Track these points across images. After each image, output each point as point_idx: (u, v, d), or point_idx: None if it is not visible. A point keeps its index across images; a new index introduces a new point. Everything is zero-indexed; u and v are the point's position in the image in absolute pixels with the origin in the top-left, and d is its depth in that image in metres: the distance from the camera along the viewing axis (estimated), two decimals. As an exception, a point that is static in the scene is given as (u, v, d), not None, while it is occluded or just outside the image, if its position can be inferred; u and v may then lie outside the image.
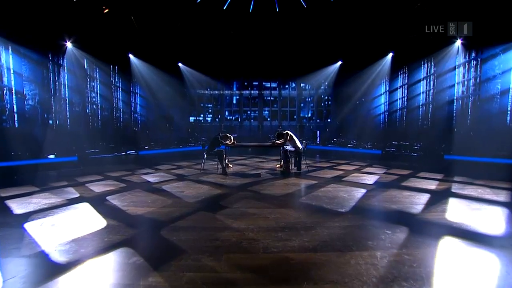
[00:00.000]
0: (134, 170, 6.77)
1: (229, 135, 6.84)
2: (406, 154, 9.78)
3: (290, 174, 6.17)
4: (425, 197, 4.11)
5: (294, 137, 6.39)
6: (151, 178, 5.70)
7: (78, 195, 4.29)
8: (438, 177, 5.68)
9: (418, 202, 3.85)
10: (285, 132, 6.53)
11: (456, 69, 8.21)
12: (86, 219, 3.18)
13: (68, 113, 8.57)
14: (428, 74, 9.14)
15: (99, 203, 3.83)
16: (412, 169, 6.72)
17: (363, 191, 4.54)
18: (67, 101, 8.49)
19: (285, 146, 6.61)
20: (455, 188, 4.72)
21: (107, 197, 4.13)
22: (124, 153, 10.29)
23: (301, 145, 6.45)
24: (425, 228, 2.87)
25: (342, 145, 11.96)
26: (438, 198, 4.03)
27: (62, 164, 7.80)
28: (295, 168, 6.58)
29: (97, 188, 4.78)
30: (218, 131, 6.83)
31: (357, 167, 7.25)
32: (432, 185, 4.93)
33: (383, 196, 4.23)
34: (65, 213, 3.41)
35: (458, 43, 7.79)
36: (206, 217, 3.28)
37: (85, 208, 3.61)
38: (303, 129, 13.28)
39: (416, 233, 2.72)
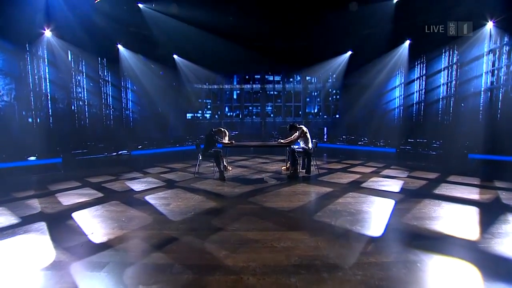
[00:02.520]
0: (120, 174, 5.95)
1: (223, 129, 5.94)
2: (423, 153, 8.88)
3: (298, 178, 5.31)
4: (474, 213, 3.24)
5: (308, 135, 5.51)
6: (136, 185, 4.88)
7: (38, 210, 3.47)
8: (475, 182, 4.79)
9: (470, 221, 2.97)
10: (299, 126, 5.61)
11: (485, 57, 7.25)
12: (22, 254, 2.35)
13: (50, 110, 7.76)
14: (450, 63, 8.18)
15: (58, 223, 3.01)
16: (437, 171, 5.82)
17: (391, 202, 3.67)
18: (49, 97, 7.67)
19: (293, 146, 5.74)
20: (505, 198, 3.83)
21: (73, 214, 3.31)
22: (115, 154, 9.50)
23: (312, 144, 5.57)
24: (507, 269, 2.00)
25: (351, 143, 11.07)
26: (493, 214, 3.16)
27: (44, 166, 7.02)
28: (304, 171, 5.73)
29: (67, 199, 3.96)
30: (212, 127, 5.93)
31: (374, 168, 6.37)
32: (474, 194, 4.04)
33: (419, 210, 3.36)
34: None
35: (490, 26, 6.81)
36: (192, 248, 2.43)
37: (34, 234, 2.77)
38: (309, 125, 12.33)
39: (496, 278, 1.85)
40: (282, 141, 5.84)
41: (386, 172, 5.93)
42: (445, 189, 4.33)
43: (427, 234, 2.66)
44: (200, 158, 5.68)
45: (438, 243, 2.46)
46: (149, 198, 4.02)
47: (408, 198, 3.89)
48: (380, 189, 4.45)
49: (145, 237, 2.63)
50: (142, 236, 2.65)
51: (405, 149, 9.48)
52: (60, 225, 2.97)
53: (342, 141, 11.24)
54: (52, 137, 7.72)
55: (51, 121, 7.74)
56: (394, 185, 4.67)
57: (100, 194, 4.26)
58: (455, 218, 3.09)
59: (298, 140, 5.59)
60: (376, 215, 3.19)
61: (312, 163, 5.70)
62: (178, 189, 4.55)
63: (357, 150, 10.22)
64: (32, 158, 7.47)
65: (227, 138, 5.92)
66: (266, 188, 4.57)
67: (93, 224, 3.00)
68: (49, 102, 7.68)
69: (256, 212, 3.35)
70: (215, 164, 5.43)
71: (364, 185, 4.75)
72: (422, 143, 9.09)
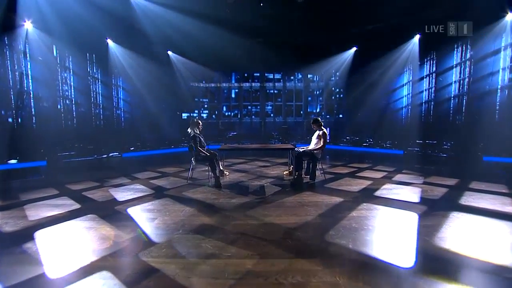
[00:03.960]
0: (106, 180, 5.39)
1: (196, 120, 5.24)
2: (433, 155, 8.37)
3: (302, 185, 4.77)
4: (518, 231, 2.71)
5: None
6: (120, 194, 4.32)
7: (-5, 228, 2.91)
8: (502, 190, 4.26)
9: (517, 244, 2.44)
10: (323, 130, 5.00)
11: (502, 52, 6.74)
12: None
13: (33, 109, 7.19)
14: (463, 59, 7.66)
15: (13, 247, 2.45)
16: (455, 177, 5.28)
17: (414, 217, 3.14)
18: (31, 95, 7.10)
19: (297, 148, 5.20)
20: (545, 211, 3.30)
21: (36, 233, 2.76)
22: (105, 156, 8.95)
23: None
24: None
25: (356, 144, 10.55)
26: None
27: (25, 171, 6.46)
28: (308, 176, 5.19)
29: (36, 213, 3.40)
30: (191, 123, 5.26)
31: (384, 173, 5.84)
32: (508, 206, 3.51)
33: (449, 228, 2.82)
34: None
35: (509, 18, 6.29)
36: (174, 285, 1.88)
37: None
38: (310, 126, 11.83)
39: None
40: (310, 148, 5.06)
41: (398, 177, 5.40)
42: (471, 199, 3.79)
43: (470, 263, 2.12)
44: (194, 163, 5.13)
45: (487, 277, 1.92)
46: (132, 211, 3.46)
47: (432, 210, 3.35)
48: (396, 198, 3.91)
49: (115, 268, 2.08)
50: (113, 267, 2.10)
51: (413, 151, 8.98)
52: (14, 250, 2.41)
53: (345, 143, 10.71)
54: (36, 138, 7.15)
55: (34, 121, 7.18)
56: (412, 194, 4.14)
57: (77, 206, 3.71)
58: (498, 238, 2.55)
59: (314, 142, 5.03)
60: (399, 235, 2.66)
61: (317, 167, 5.16)
62: (167, 199, 4.00)
63: (362, 152, 9.71)
64: (13, 161, 6.91)
65: (201, 127, 5.27)
66: (267, 197, 4.03)
67: (57, 247, 2.44)
68: (32, 100, 7.11)
69: (256, 230, 2.81)
70: (209, 169, 4.88)
71: (377, 193, 4.21)
72: (432, 144, 8.58)
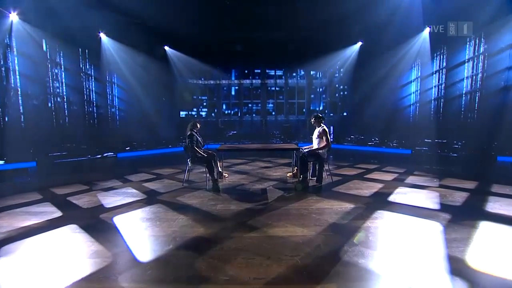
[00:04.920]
0: (96, 182, 5.01)
1: (194, 121, 4.87)
2: (443, 155, 7.98)
3: (308, 188, 4.38)
4: None
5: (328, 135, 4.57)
6: (109, 199, 3.94)
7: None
8: (529, 195, 3.87)
9: None
10: (323, 127, 4.60)
11: (520, 45, 6.32)
12: None
13: (22, 107, 6.81)
14: (476, 53, 7.25)
15: (-30, 269, 2.07)
16: (472, 179, 4.89)
17: (437, 227, 2.75)
18: (19, 92, 6.72)
19: (302, 149, 4.81)
20: None
21: (2, 249, 2.37)
22: (100, 156, 8.58)
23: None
24: None
25: (361, 143, 10.16)
26: None
27: (12, 172, 6.08)
28: (314, 178, 4.80)
29: (10, 222, 3.02)
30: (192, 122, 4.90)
31: (395, 175, 5.44)
32: (541, 214, 3.12)
33: (483, 241, 2.43)
34: None
35: (529, 7, 5.88)
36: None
37: None
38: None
39: None
40: (314, 148, 4.63)
41: (410, 179, 5.00)
42: (498, 206, 3.40)
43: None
44: (190, 165, 4.74)
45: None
46: (119, 220, 3.08)
47: (457, 220, 2.96)
48: (413, 204, 3.52)
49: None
50: (84, 298, 1.72)
51: (422, 150, 8.58)
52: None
53: (350, 142, 10.32)
54: (25, 138, 6.79)
55: (22, 119, 6.80)
56: (429, 199, 3.75)
57: (58, 213, 3.32)
58: (544, 257, 2.16)
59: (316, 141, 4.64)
60: (425, 253, 2.26)
61: (324, 168, 4.76)
62: (159, 206, 3.61)
63: (368, 151, 9.32)
64: (0, 162, 6.55)
65: (198, 126, 4.90)
66: (271, 204, 3.64)
67: (21, 270, 2.06)
68: (20, 97, 6.72)
69: (258, 245, 2.42)
70: (207, 171, 4.49)
71: (391, 198, 3.82)
72: (441, 143, 8.18)
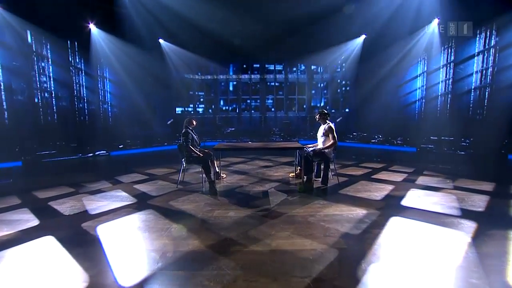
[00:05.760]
0: (83, 184, 4.64)
1: (189, 118, 4.56)
2: (449, 153, 7.68)
3: (313, 191, 4.04)
4: None
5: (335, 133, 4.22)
6: (95, 203, 3.58)
7: None
8: (554, 198, 3.56)
9: None
10: (329, 124, 4.26)
11: (535, 37, 5.99)
12: None
13: (5, 102, 6.39)
14: (487, 47, 6.90)
15: None
16: (488, 180, 4.57)
17: (464, 238, 2.42)
18: (2, 87, 6.29)
19: (306, 148, 4.46)
20: None
21: (-41, 270, 2.01)
22: (91, 154, 8.18)
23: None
24: None
25: (363, 140, 9.83)
26: None
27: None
28: (318, 179, 4.47)
29: (-22, 233, 2.65)
30: (188, 119, 4.57)
31: (404, 175, 5.11)
32: None
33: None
34: None
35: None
36: None
37: None
38: (314, 121, 11.07)
39: None
40: (319, 147, 4.28)
41: (422, 180, 4.68)
42: (525, 212, 3.08)
43: None
44: (184, 165, 4.38)
45: None
46: (103, 230, 2.72)
47: (484, 229, 2.63)
48: (430, 209, 3.20)
49: None
50: None
51: (427, 148, 8.27)
52: None
53: (352, 139, 9.99)
54: (9, 135, 6.38)
55: (6, 116, 6.38)
56: (447, 203, 3.42)
57: (35, 222, 2.96)
58: None
59: (321, 140, 4.29)
60: (457, 273, 1.93)
61: (329, 168, 4.42)
62: (150, 212, 3.25)
63: (371, 149, 9.00)
64: (-18, 161, 6.14)
65: (194, 123, 4.55)
66: (273, 209, 3.29)
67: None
68: (3, 92, 6.30)
69: (261, 262, 2.07)
70: (203, 171, 4.13)
71: (405, 202, 3.49)
72: (448, 141, 7.87)
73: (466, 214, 3.05)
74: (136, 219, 3.03)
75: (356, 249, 2.28)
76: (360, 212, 3.13)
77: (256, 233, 2.61)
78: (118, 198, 3.85)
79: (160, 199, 3.75)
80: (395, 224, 2.77)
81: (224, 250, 2.28)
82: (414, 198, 3.68)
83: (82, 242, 2.47)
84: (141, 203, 3.60)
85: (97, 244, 2.43)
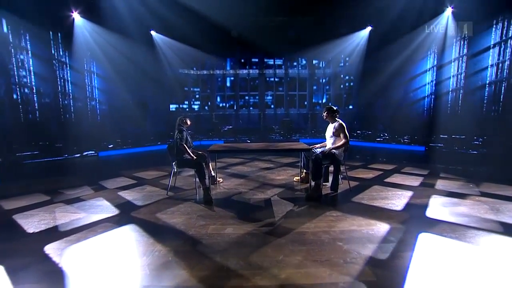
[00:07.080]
0: (61, 191, 4.10)
1: (182, 117, 4.00)
2: (460, 152, 7.24)
3: (322, 198, 3.55)
4: None
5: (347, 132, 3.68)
6: (69, 216, 3.05)
7: None
8: None
9: None
10: (339, 121, 3.75)
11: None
12: None
13: (-21, 99, 5.78)
14: (503, 38, 6.42)
15: None
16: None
17: (523, 266, 1.93)
18: (-26, 82, 5.68)
19: (314, 149, 3.96)
20: None
21: None
22: (79, 155, 7.62)
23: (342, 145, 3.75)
24: None
25: (368, 139, 9.37)
26: None
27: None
28: (327, 184, 3.98)
29: None
30: (180, 117, 4.02)
31: (419, 178, 4.64)
32: None
33: None
34: None
35: None
36: None
37: None
38: (315, 118, 10.59)
39: None
40: (328, 147, 3.71)
41: (441, 185, 4.20)
42: None
43: None
44: (175, 169, 3.85)
45: None
46: (70, 255, 2.20)
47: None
48: (463, 223, 2.71)
49: None
50: None
51: (437, 147, 7.82)
52: None
53: (356, 137, 9.51)
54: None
55: (-20, 114, 5.79)
56: (480, 215, 2.94)
57: (-11, 243, 2.42)
58: None
59: (331, 140, 3.79)
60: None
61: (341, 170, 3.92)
62: (132, 227, 2.73)
63: (377, 148, 8.53)
64: (-47, 164, 5.58)
65: (188, 122, 4.01)
66: (278, 223, 2.79)
67: None
68: (-24, 88, 5.70)
69: (269, 308, 1.57)
70: (197, 176, 3.61)
71: (430, 213, 3.00)
72: (459, 139, 7.42)
73: (508, 229, 2.57)
74: (114, 238, 2.51)
75: (388, 282, 1.79)
76: (381, 226, 2.64)
77: (260, 258, 2.10)
78: (98, 208, 3.32)
79: (146, 210, 3.22)
80: (426, 243, 2.29)
81: (219, 284, 1.78)
82: (439, 207, 3.20)
83: (40, 275, 1.94)
84: (124, 215, 3.08)
85: (59, 278, 1.90)
